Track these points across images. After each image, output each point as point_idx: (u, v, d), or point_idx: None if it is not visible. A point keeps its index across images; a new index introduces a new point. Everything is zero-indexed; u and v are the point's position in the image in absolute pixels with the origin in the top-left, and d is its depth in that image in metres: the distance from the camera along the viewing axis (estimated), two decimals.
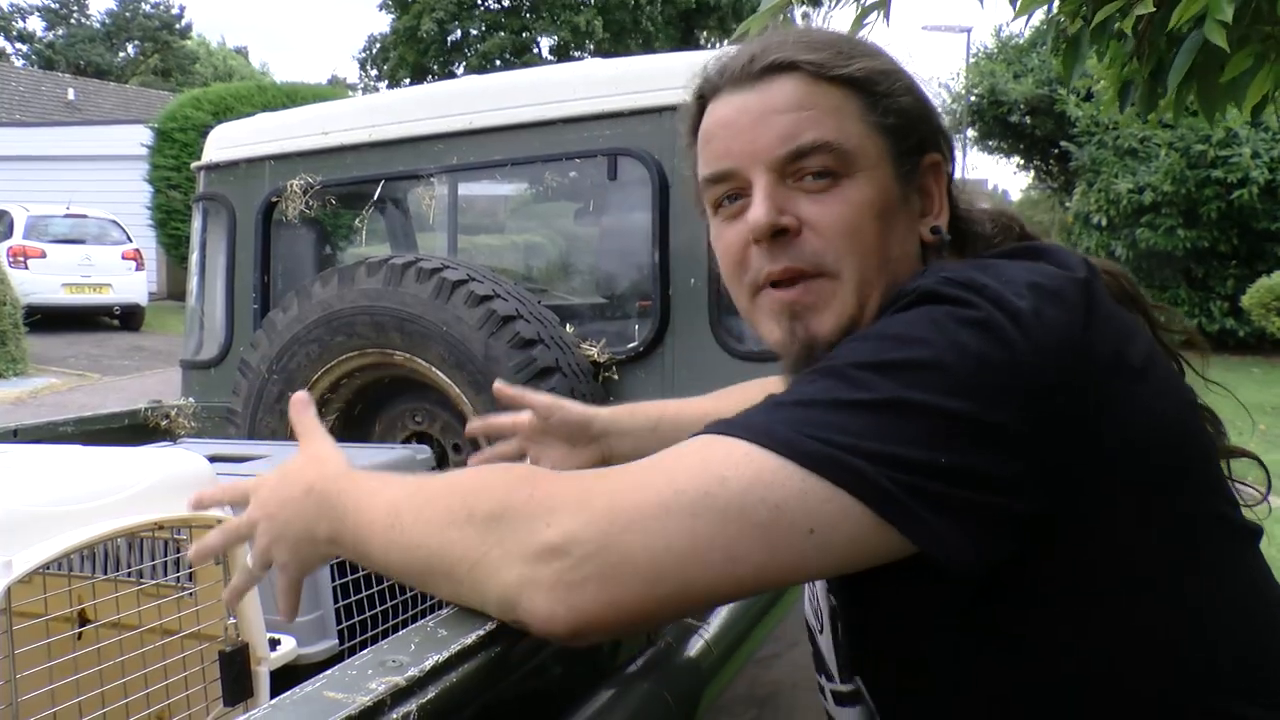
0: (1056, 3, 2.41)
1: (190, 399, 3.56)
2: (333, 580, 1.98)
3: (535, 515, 0.90)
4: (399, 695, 0.85)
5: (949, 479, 0.85)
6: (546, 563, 0.88)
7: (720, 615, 1.52)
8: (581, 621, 0.88)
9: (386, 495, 1.05)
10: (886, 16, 2.41)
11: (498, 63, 30.89)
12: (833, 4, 2.41)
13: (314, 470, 1.16)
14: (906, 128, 1.11)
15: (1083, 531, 0.90)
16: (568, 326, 2.91)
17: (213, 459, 1.76)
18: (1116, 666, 0.92)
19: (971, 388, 0.86)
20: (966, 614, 0.94)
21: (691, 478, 0.88)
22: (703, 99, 1.16)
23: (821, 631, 1.19)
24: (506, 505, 0.92)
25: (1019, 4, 2.41)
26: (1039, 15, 2.68)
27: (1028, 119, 21.28)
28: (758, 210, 1.06)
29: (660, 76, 2.79)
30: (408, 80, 32.42)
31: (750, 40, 1.16)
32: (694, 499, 0.86)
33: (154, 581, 1.62)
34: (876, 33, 2.45)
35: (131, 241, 17.33)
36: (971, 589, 0.89)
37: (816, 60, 1.08)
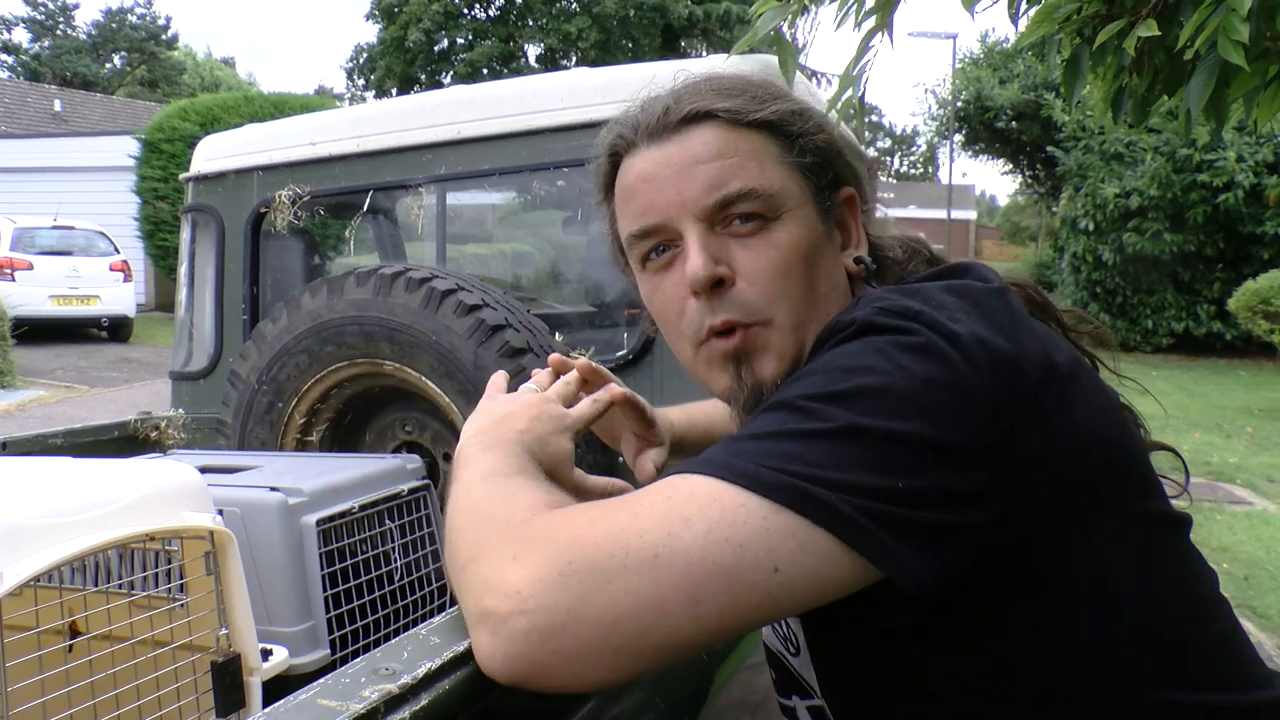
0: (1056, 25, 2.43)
1: (180, 410, 3.55)
2: (324, 590, 1.98)
3: (512, 541, 0.90)
4: (392, 703, 0.85)
5: (908, 502, 0.86)
6: (499, 599, 0.86)
7: None
8: (516, 668, 0.85)
9: (485, 468, 1.07)
10: (890, 36, 2.43)
11: (485, 72, 30.92)
12: (815, 18, 2.43)
13: (520, 427, 1.16)
14: (823, 165, 1.14)
15: (1032, 540, 0.93)
16: (557, 335, 2.92)
17: (203, 470, 1.76)
18: (1069, 669, 0.95)
19: (921, 409, 0.88)
20: (924, 629, 0.96)
21: (655, 518, 0.87)
22: (616, 156, 1.18)
23: (799, 653, 1.19)
24: (510, 520, 0.94)
25: (1022, 30, 2.44)
26: (1023, 21, 2.71)
27: (1014, 124, 21.40)
28: (695, 262, 1.08)
29: (646, 85, 2.80)
30: (395, 90, 32.44)
31: (658, 92, 1.18)
32: (657, 540, 0.86)
33: (145, 593, 1.62)
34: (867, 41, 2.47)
35: (119, 253, 17.27)
36: (931, 605, 0.90)
37: (732, 107, 1.11)
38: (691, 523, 0.86)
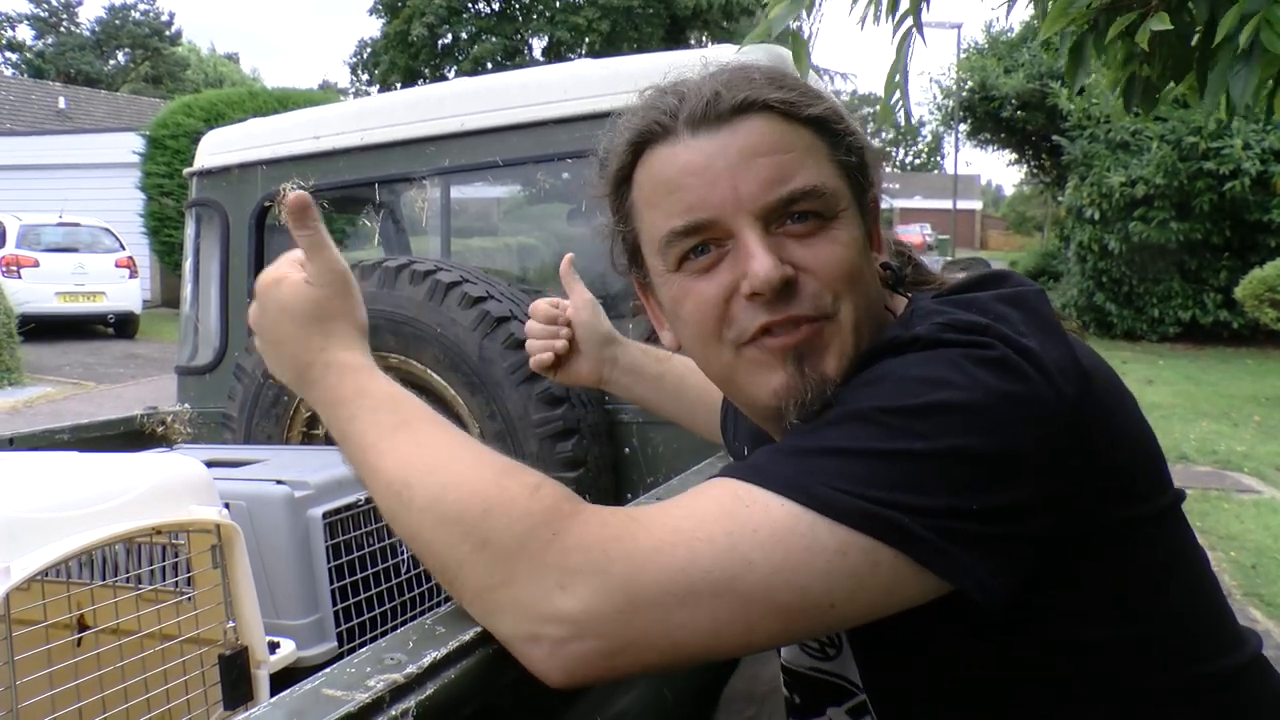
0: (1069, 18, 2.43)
1: (186, 405, 3.56)
2: (331, 583, 1.98)
3: (550, 569, 0.88)
4: (398, 692, 0.85)
5: (980, 518, 0.86)
6: (554, 627, 0.87)
7: None
8: (576, 681, 0.89)
9: (400, 454, 0.98)
10: (921, 35, 2.45)
11: (489, 66, 30.86)
12: (820, 11, 2.43)
13: (319, 341, 1.08)
14: (862, 166, 1.08)
15: (1086, 539, 0.93)
16: None
17: (209, 464, 1.76)
18: (1112, 659, 0.95)
19: (999, 425, 0.87)
20: (974, 628, 0.95)
21: (716, 556, 0.86)
22: (641, 145, 1.08)
23: (839, 653, 1.15)
24: (524, 544, 0.89)
25: (1046, 22, 2.45)
26: (1029, 11, 2.71)
27: (1019, 113, 21.32)
28: (764, 264, 0.98)
29: (652, 75, 2.78)
30: (399, 85, 32.41)
31: (686, 80, 1.09)
32: (718, 581, 0.86)
33: (152, 586, 1.62)
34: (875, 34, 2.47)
35: (124, 249, 17.30)
36: (989, 614, 0.90)
37: (788, 99, 1.04)
38: (755, 566, 0.86)
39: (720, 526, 0.87)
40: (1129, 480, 0.96)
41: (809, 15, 2.44)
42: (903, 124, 2.71)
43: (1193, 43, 2.40)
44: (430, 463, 0.97)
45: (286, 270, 1.12)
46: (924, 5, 2.46)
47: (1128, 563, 0.96)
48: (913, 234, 47.02)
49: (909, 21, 2.43)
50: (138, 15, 48.73)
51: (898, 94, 2.50)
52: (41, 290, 15.77)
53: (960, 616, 0.91)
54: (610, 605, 0.86)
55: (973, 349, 0.91)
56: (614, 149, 1.12)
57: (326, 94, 31.58)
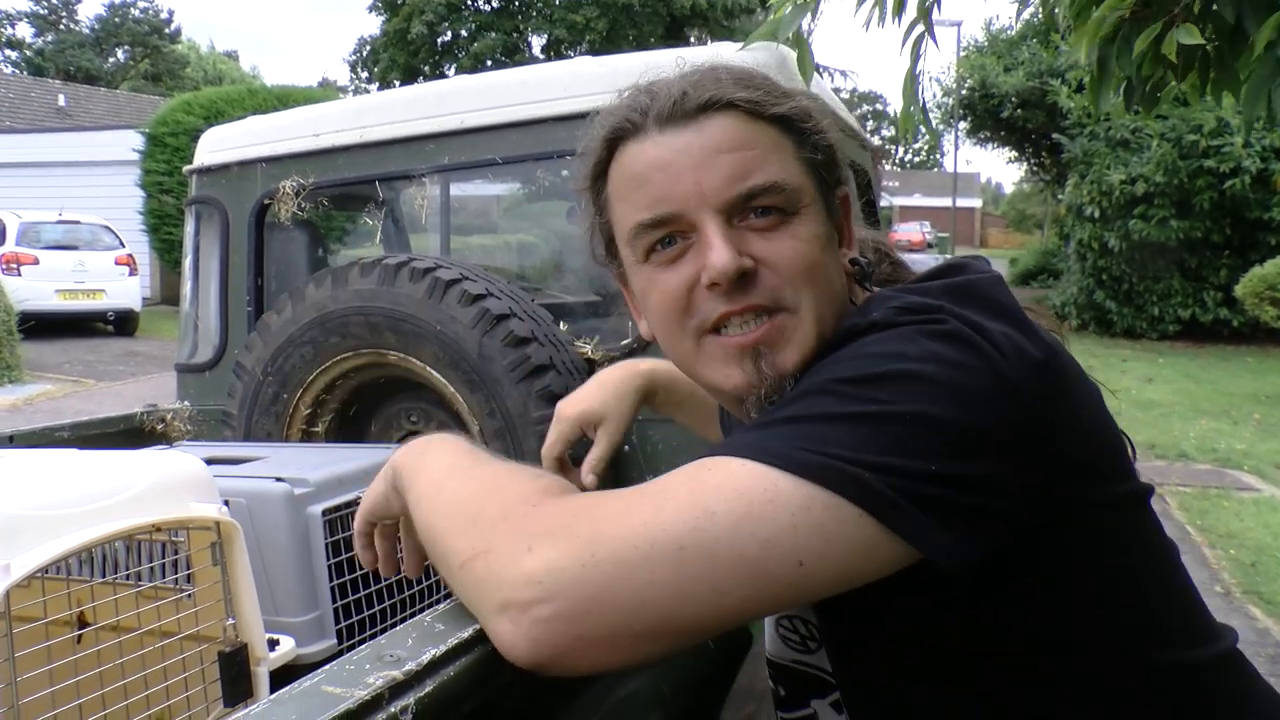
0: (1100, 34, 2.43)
1: (186, 403, 3.56)
2: (330, 580, 1.98)
3: (523, 535, 0.91)
4: (397, 689, 0.85)
5: (941, 483, 0.87)
6: (520, 590, 0.88)
7: None
8: (544, 654, 0.87)
9: (442, 461, 1.10)
10: (934, 39, 2.45)
11: (489, 63, 30.84)
12: (820, 12, 2.43)
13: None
14: (830, 164, 1.12)
15: (1052, 527, 0.94)
16: (561, 324, 2.92)
17: (209, 461, 1.76)
18: (1076, 647, 0.96)
19: (954, 394, 0.88)
20: (941, 614, 0.96)
21: (679, 510, 0.88)
22: (615, 141, 1.12)
23: (820, 647, 1.17)
24: (507, 514, 0.94)
25: (1074, 38, 2.45)
26: (1030, 10, 2.73)
27: (1019, 111, 21.30)
28: (721, 254, 1.02)
29: (651, 73, 2.78)
30: (398, 82, 32.38)
31: (661, 79, 1.13)
32: (681, 533, 0.86)
33: (152, 584, 1.62)
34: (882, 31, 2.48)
35: (124, 247, 17.28)
36: (953, 591, 0.91)
37: (752, 98, 1.08)
38: (717, 517, 0.86)
39: (684, 488, 0.90)
40: (1087, 456, 0.97)
41: (811, 16, 2.45)
42: (924, 130, 2.72)
43: (1208, 46, 2.40)
44: (474, 467, 1.07)
45: None
46: (935, 7, 2.46)
47: (1094, 547, 0.97)
48: (913, 231, 47.10)
49: (919, 27, 2.43)
50: (137, 13, 48.72)
51: (913, 102, 2.51)
52: (41, 288, 15.76)
53: (926, 593, 0.92)
54: (572, 559, 0.87)
55: (925, 324, 0.93)
56: (591, 145, 1.16)
57: (326, 92, 31.57)
